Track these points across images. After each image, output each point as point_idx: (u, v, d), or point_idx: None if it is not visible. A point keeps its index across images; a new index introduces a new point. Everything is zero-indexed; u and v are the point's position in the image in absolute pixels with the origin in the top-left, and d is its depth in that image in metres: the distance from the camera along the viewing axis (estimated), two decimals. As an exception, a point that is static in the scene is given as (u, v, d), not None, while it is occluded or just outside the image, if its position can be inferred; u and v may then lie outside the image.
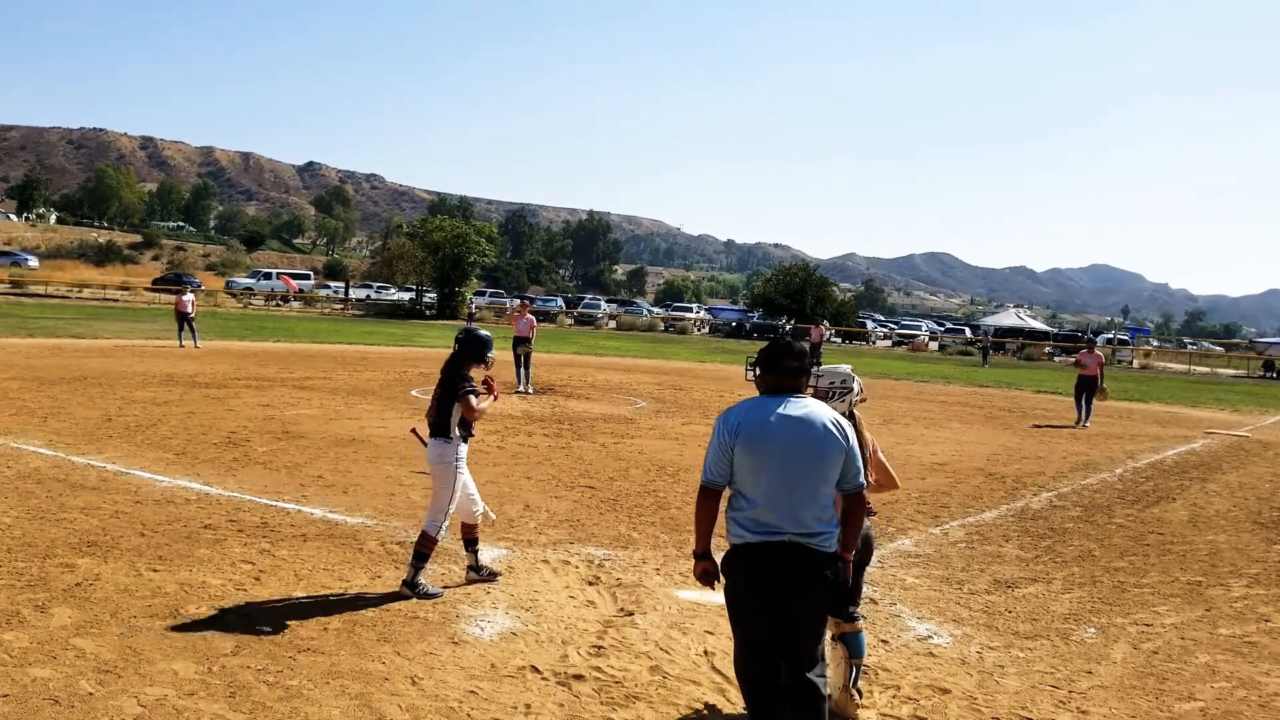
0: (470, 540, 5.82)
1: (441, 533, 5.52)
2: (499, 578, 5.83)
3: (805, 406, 3.48)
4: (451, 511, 5.58)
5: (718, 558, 3.56)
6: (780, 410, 3.44)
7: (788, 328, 57.39)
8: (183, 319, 22.63)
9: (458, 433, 5.57)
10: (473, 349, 5.60)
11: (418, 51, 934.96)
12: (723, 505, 3.57)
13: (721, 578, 3.55)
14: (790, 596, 3.39)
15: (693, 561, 3.67)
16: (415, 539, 5.63)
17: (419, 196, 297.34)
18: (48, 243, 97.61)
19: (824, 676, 3.49)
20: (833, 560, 3.45)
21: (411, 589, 5.39)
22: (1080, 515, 8.93)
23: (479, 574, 5.82)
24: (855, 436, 3.55)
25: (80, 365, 17.00)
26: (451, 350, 5.68)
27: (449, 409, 5.53)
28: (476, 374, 5.62)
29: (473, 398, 5.49)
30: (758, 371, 3.66)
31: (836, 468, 3.44)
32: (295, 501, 7.53)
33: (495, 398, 5.74)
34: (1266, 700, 4.62)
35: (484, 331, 5.73)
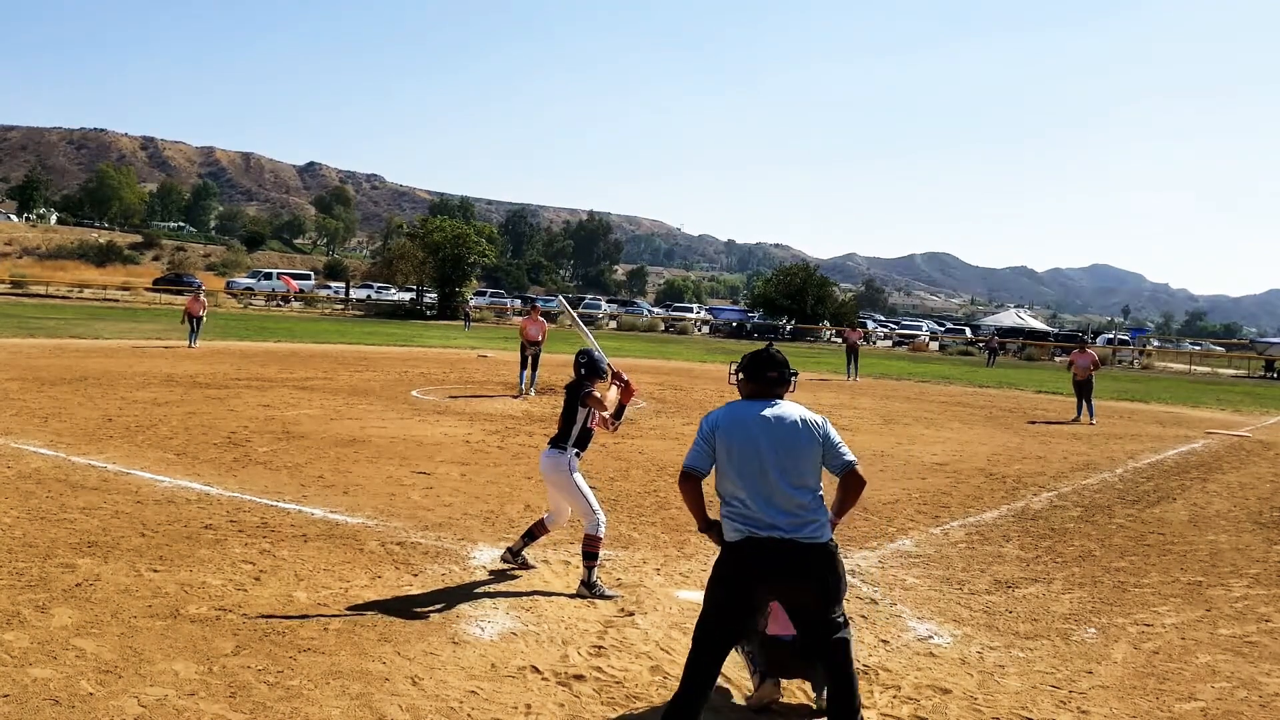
0: (532, 535, 6.06)
1: (601, 529, 5.68)
2: (532, 570, 6.05)
3: (779, 407, 3.77)
4: (597, 507, 5.76)
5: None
6: (758, 412, 3.76)
7: (788, 329, 57.50)
8: (193, 319, 22.75)
9: (572, 447, 5.80)
10: (594, 369, 5.90)
11: (418, 52, 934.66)
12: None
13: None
14: (786, 589, 3.64)
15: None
16: (581, 546, 5.80)
17: (420, 197, 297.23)
18: (48, 243, 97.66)
19: (849, 631, 3.66)
20: (825, 549, 3.64)
21: (589, 589, 5.61)
22: (1081, 515, 8.93)
23: (514, 559, 6.06)
24: (831, 427, 3.81)
25: (81, 365, 17.01)
26: (574, 376, 5.93)
27: (570, 421, 5.79)
28: (600, 387, 5.91)
29: (595, 393, 5.79)
30: (741, 376, 3.95)
31: (816, 459, 3.72)
32: (296, 502, 7.53)
33: (622, 386, 5.89)
34: (1267, 700, 4.62)
35: (598, 352, 5.96)
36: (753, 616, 3.78)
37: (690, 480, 3.80)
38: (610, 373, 5.90)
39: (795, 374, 3.98)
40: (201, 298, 23.54)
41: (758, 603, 3.73)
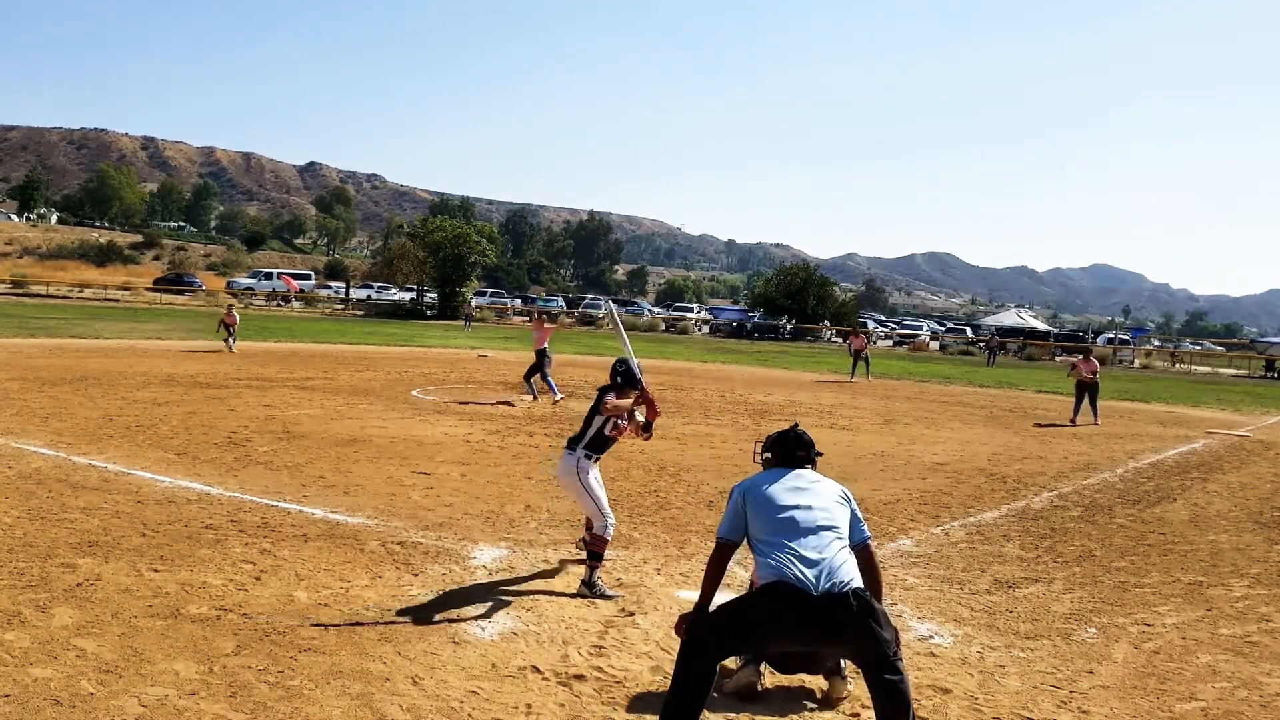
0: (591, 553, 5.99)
1: (609, 532, 5.75)
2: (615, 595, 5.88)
3: (809, 472, 3.96)
4: (608, 510, 5.81)
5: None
6: (790, 473, 3.92)
7: (788, 329, 57.51)
8: (229, 328, 22.90)
9: (583, 449, 5.86)
10: (630, 378, 5.97)
11: (419, 52, 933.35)
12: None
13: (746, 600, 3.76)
14: (827, 642, 3.60)
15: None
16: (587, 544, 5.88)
17: (420, 197, 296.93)
18: (49, 243, 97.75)
19: (903, 675, 3.47)
20: (858, 594, 3.47)
21: (590, 589, 5.63)
22: (1081, 515, 8.92)
23: (591, 590, 5.88)
24: (854, 501, 3.93)
25: (81, 365, 17.02)
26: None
27: (588, 425, 5.87)
28: (628, 397, 5.91)
29: (611, 396, 5.83)
30: (768, 456, 4.07)
31: (844, 519, 3.76)
32: (296, 502, 7.54)
33: (646, 402, 5.92)
34: (1268, 700, 4.62)
35: (635, 362, 6.03)
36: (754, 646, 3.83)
37: (723, 552, 3.76)
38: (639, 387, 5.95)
39: (820, 454, 4.12)
40: (234, 310, 24.04)
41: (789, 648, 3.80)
